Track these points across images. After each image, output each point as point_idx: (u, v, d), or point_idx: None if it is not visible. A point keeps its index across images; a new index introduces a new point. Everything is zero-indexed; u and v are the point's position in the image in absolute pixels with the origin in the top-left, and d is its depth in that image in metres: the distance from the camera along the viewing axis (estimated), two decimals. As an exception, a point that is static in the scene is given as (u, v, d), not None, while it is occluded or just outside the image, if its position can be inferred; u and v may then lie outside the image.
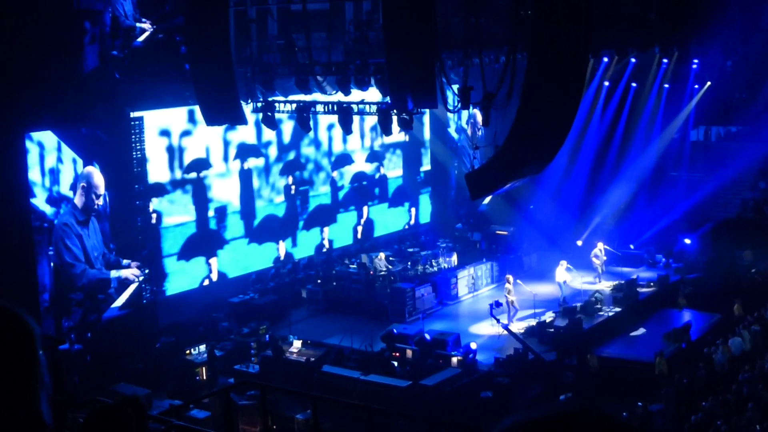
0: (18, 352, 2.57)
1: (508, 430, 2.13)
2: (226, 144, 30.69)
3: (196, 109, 26.76)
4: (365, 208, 36.32)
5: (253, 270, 31.46)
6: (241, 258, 31.18)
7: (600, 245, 33.12)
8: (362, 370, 24.94)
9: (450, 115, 35.86)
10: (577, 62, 21.10)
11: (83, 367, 24.75)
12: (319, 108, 26.22)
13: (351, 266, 32.48)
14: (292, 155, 33.27)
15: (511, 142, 21.69)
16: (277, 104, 26.51)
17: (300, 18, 25.71)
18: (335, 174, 35.01)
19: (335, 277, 31.90)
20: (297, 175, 33.48)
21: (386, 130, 25.20)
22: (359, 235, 35.85)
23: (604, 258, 33.03)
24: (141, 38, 26.81)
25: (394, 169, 37.61)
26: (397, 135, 34.36)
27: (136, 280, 26.79)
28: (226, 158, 30.77)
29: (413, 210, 38.54)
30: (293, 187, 33.30)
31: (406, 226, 37.91)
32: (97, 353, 25.32)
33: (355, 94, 25.97)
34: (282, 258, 32.74)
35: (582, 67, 22.41)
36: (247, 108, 26.28)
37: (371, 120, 32.80)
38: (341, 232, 35.29)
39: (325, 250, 34.29)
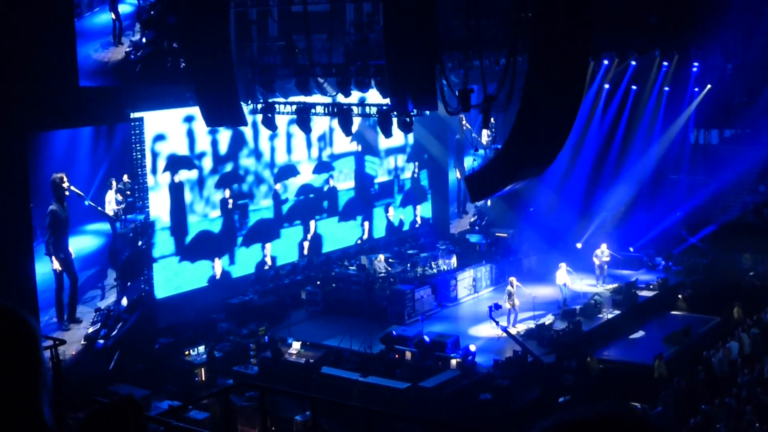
0: (21, 353, 2.56)
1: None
2: (155, 155, 28.56)
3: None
4: (312, 223, 33.95)
5: (186, 289, 29.29)
6: (172, 277, 28.98)
7: (603, 247, 33.12)
8: (361, 372, 24.93)
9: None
10: (577, 65, 21.08)
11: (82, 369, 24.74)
12: (319, 110, 26.21)
13: (350, 268, 32.47)
14: (229, 167, 30.90)
15: (512, 145, 21.69)
16: (277, 106, 26.50)
17: (301, 19, 25.71)
18: (278, 186, 32.62)
19: (334, 279, 31.88)
20: (235, 188, 31.09)
21: (386, 132, 25.20)
22: (305, 251, 33.62)
23: (607, 259, 33.02)
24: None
25: (345, 181, 35.38)
26: (349, 144, 34.36)
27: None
28: (154, 171, 28.54)
29: (366, 224, 36.36)
30: (231, 201, 30.86)
31: (359, 241, 35.92)
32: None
33: (355, 96, 25.99)
34: (218, 276, 30.49)
35: (582, 70, 22.40)
36: (247, 109, 26.28)
37: (319, 129, 32.34)
38: (285, 248, 32.90)
39: (267, 267, 32.06)
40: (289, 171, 33.12)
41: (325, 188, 34.57)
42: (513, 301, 28.85)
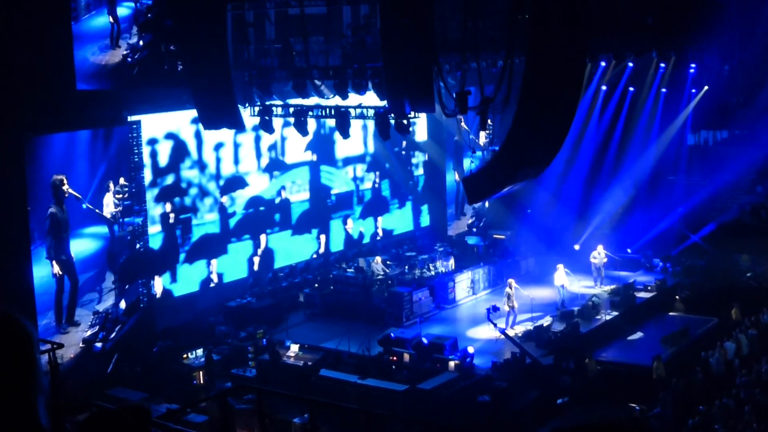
0: (17, 356, 2.57)
1: None
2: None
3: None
4: (263, 237, 31.93)
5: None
6: None
7: (599, 248, 33.14)
8: (359, 374, 24.93)
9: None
10: (574, 66, 21.11)
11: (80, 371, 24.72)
12: (317, 112, 26.20)
13: (348, 270, 32.44)
14: (170, 179, 28.90)
15: (509, 146, 21.72)
16: (274, 108, 26.50)
17: (298, 22, 25.72)
18: (225, 199, 30.57)
19: (332, 281, 31.87)
20: (176, 201, 29.06)
21: (384, 135, 25.21)
22: (256, 267, 31.62)
23: (604, 260, 33.05)
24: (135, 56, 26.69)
25: (298, 193, 33.46)
26: (303, 154, 33.17)
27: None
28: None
29: (323, 237, 34.51)
30: (172, 215, 28.93)
31: (314, 255, 34.01)
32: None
33: (353, 98, 25.99)
34: (159, 295, 28.43)
35: (579, 72, 22.43)
36: (245, 112, 26.27)
37: (270, 139, 31.12)
38: (233, 264, 30.90)
39: (213, 285, 30.28)
40: (236, 183, 31.02)
41: (277, 200, 32.58)
42: (512, 302, 28.85)
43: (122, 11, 26.34)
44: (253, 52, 27.57)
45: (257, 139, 31.43)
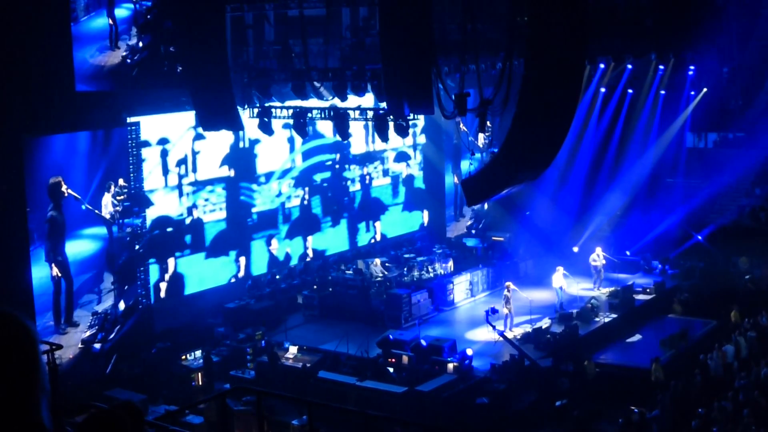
0: (20, 357, 2.57)
1: None
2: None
3: None
4: (171, 261, 29.07)
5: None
6: None
7: (598, 251, 33.14)
8: (358, 376, 24.93)
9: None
10: (573, 68, 21.12)
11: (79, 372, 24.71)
12: (316, 114, 26.22)
13: (347, 272, 32.43)
14: None
15: (508, 149, 21.72)
16: (273, 110, 26.50)
17: (297, 24, 25.73)
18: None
19: (331, 283, 31.87)
20: None
21: (383, 137, 25.22)
22: (163, 293, 28.61)
23: (603, 263, 33.05)
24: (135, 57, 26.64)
25: (213, 212, 30.44)
26: (219, 169, 30.28)
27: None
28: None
29: (243, 259, 31.54)
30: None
31: (233, 279, 31.14)
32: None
33: (352, 100, 26.00)
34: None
35: (578, 74, 22.44)
36: (244, 113, 26.28)
37: (179, 152, 28.89)
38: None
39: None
40: (139, 201, 27.87)
41: (188, 220, 29.38)
42: (510, 305, 28.85)
43: (122, 12, 26.37)
44: (252, 54, 27.61)
45: (164, 154, 28.52)
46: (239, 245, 31.34)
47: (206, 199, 30.13)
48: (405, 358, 25.71)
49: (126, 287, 26.75)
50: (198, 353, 26.82)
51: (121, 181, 26.50)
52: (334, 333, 28.17)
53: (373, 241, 36.66)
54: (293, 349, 26.85)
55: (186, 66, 25.92)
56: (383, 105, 24.65)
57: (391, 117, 24.01)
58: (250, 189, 31.81)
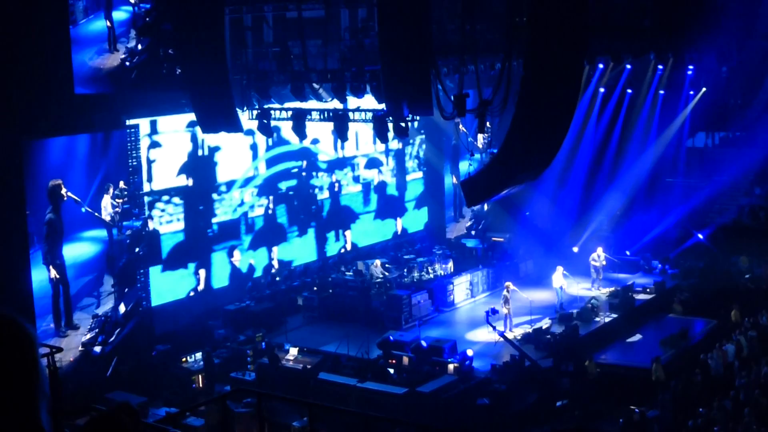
0: (19, 361, 2.57)
1: None
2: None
3: None
4: None
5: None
6: None
7: (599, 251, 33.16)
8: (359, 378, 24.93)
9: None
10: (572, 69, 21.11)
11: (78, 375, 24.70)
12: (315, 115, 26.21)
13: (347, 273, 32.43)
14: None
15: (507, 149, 21.70)
16: (272, 111, 26.50)
17: (295, 25, 25.74)
18: None
19: (331, 285, 31.88)
20: None
21: (382, 138, 25.22)
22: (122, 309, 26.86)
23: (604, 263, 33.06)
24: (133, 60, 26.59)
25: (170, 223, 28.93)
26: (178, 178, 28.90)
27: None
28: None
29: (202, 272, 29.95)
30: None
31: (192, 293, 29.55)
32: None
33: (351, 102, 25.99)
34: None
35: (577, 74, 22.44)
36: (243, 115, 26.27)
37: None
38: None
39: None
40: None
41: (143, 232, 27.68)
42: (509, 305, 28.87)
43: (120, 15, 26.35)
44: (251, 56, 27.58)
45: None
46: (199, 257, 29.68)
47: (162, 210, 28.62)
48: (405, 359, 25.72)
49: (126, 290, 26.72)
50: (198, 356, 26.82)
51: (121, 184, 26.49)
52: (334, 334, 28.17)
53: (343, 250, 35.27)
54: (293, 351, 26.85)
55: (185, 68, 25.90)
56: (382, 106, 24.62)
57: (391, 118, 23.98)
58: (209, 198, 30.25)
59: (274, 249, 32.54)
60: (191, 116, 26.90)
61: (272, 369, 26.04)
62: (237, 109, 25.53)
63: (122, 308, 26.52)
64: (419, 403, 23.48)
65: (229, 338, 28.25)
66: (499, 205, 36.87)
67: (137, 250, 27.21)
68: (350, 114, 25.78)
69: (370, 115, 25.29)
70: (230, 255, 31.02)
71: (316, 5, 26.32)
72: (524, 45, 20.97)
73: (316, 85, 25.65)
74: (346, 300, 30.89)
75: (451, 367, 25.27)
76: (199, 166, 29.75)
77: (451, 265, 34.04)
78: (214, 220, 30.44)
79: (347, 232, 35.58)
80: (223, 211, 30.77)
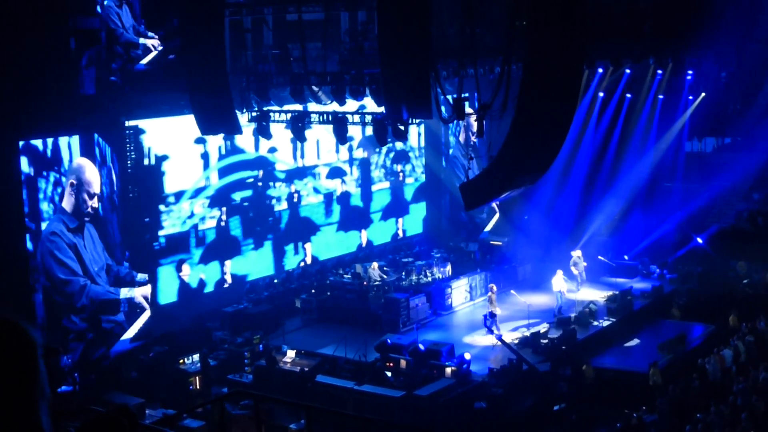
0: (21, 363, 2.57)
1: None
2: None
3: None
4: None
5: None
6: None
7: (578, 252, 33.09)
8: (356, 380, 24.92)
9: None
10: (572, 73, 21.12)
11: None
12: (314, 118, 26.22)
13: (345, 276, 32.40)
14: None
15: (506, 153, 21.70)
16: (272, 114, 26.50)
17: (295, 28, 25.75)
18: None
19: (329, 287, 31.85)
20: None
21: (381, 141, 25.22)
22: None
23: (584, 264, 33.01)
24: (145, 60, 26.51)
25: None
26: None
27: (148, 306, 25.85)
28: None
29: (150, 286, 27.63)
30: None
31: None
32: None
33: (351, 104, 25.99)
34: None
35: (577, 78, 22.44)
36: (243, 117, 26.27)
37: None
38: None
39: None
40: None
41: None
42: (494, 307, 28.90)
43: (123, 19, 26.34)
44: (250, 58, 27.58)
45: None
46: (144, 271, 27.49)
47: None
48: (403, 363, 25.70)
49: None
50: (195, 357, 26.78)
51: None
52: (332, 337, 28.17)
53: (302, 264, 33.76)
54: (291, 353, 26.84)
55: (185, 70, 25.90)
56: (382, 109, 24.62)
57: (390, 121, 23.99)
58: (156, 210, 28.68)
59: (227, 263, 30.95)
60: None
61: (270, 371, 26.03)
62: (236, 111, 25.54)
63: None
64: (416, 406, 23.47)
65: (226, 340, 28.22)
66: (497, 209, 36.90)
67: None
68: (349, 117, 25.79)
69: (369, 118, 25.32)
70: (178, 269, 29.43)
71: (315, 8, 26.35)
72: (524, 48, 20.98)
73: (315, 88, 25.66)
74: (344, 303, 30.89)
75: (448, 370, 25.26)
76: (145, 175, 28.03)
77: (449, 268, 34.03)
78: (161, 233, 28.85)
79: (307, 245, 34.11)
80: (171, 223, 29.14)
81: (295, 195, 33.62)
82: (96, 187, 25.23)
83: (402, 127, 23.83)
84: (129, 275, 26.40)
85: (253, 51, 27.89)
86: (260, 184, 32.30)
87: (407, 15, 21.39)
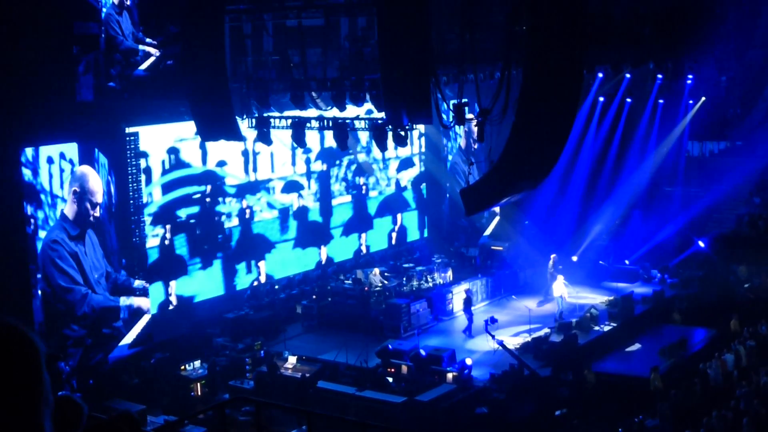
0: (27, 371, 2.57)
1: None
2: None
3: None
4: None
5: None
6: None
7: (554, 257, 32.91)
8: (357, 386, 24.91)
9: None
10: (572, 78, 21.12)
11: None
12: (314, 124, 26.21)
13: (346, 282, 32.39)
14: None
15: (507, 158, 21.70)
16: (272, 120, 26.49)
17: (295, 33, 25.77)
18: None
19: (330, 293, 31.85)
20: None
21: (381, 146, 25.20)
22: None
23: (552, 271, 32.60)
24: (144, 66, 26.53)
25: None
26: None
27: (150, 312, 25.87)
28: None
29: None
30: None
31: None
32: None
33: (351, 110, 25.99)
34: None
35: (577, 83, 22.43)
36: (243, 124, 26.27)
37: None
38: None
39: None
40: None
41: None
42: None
43: (123, 25, 26.37)
44: (250, 64, 27.59)
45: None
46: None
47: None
48: (404, 368, 25.70)
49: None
50: (197, 363, 26.76)
51: None
52: (333, 343, 28.15)
53: (256, 283, 31.88)
54: (292, 359, 26.82)
55: (185, 76, 25.91)
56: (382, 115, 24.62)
57: (390, 127, 23.98)
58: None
59: (172, 283, 28.88)
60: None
61: (271, 377, 26.01)
62: (237, 118, 25.53)
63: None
64: (418, 411, 23.45)
65: (227, 346, 28.21)
66: (498, 214, 36.90)
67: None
68: (353, 122, 25.80)
69: (364, 123, 25.32)
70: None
71: (315, 14, 26.35)
72: (524, 54, 20.99)
73: (315, 94, 25.66)
74: (345, 308, 30.87)
75: (449, 375, 25.24)
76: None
77: (450, 273, 34.03)
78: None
79: (261, 263, 32.25)
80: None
81: (247, 211, 31.72)
82: (99, 197, 25.42)
83: (402, 133, 23.82)
84: (127, 281, 26.46)
85: (253, 57, 27.90)
86: (208, 199, 30.30)
87: (407, 20, 21.39)
